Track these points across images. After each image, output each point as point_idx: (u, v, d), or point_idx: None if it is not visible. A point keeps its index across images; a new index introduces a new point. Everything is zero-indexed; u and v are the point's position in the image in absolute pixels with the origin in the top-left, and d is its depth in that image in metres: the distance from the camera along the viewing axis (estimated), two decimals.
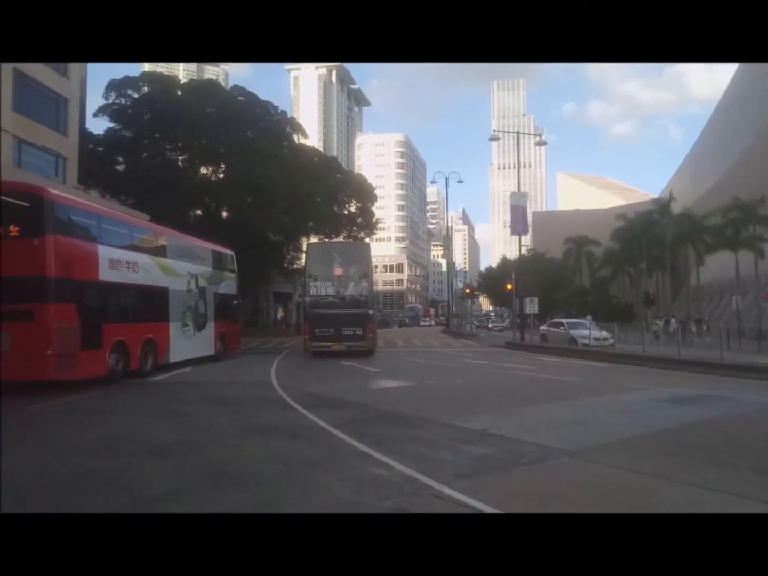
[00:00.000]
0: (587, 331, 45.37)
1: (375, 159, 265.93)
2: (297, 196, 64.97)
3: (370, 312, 40.09)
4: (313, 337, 37.98)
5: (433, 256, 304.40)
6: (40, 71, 42.91)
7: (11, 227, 20.76)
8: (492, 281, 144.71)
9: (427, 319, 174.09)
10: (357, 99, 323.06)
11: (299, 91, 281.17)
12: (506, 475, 10.09)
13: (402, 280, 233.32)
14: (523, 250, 71.06)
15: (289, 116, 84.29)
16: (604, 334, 45.96)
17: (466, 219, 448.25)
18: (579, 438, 12.77)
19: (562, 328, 48.92)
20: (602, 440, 12.61)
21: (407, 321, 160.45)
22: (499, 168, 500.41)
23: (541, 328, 55.03)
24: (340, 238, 78.65)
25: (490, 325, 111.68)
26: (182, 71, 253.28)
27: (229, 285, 38.69)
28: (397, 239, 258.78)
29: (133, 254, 26.71)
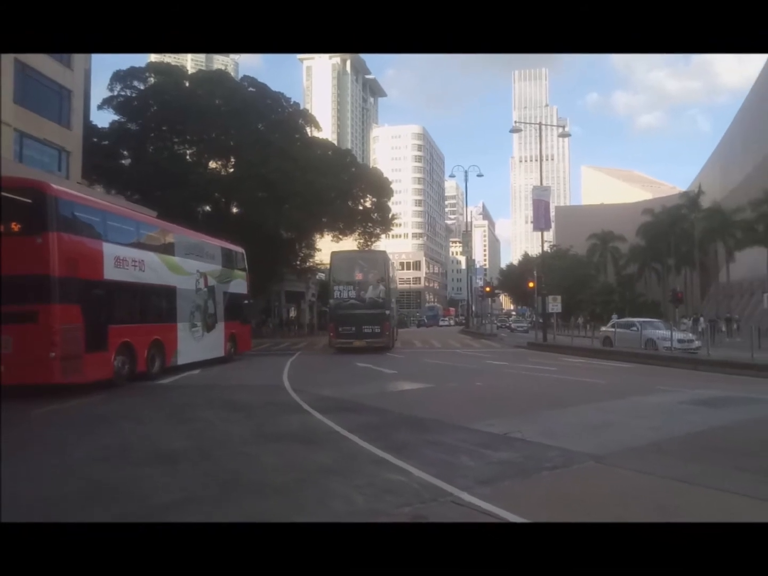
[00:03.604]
0: (667, 332, 40.49)
1: (391, 152, 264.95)
2: (310, 191, 64.94)
3: (387, 312, 45.48)
4: (337, 335, 44.65)
5: (452, 253, 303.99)
6: (42, 62, 42.94)
7: (12, 224, 20.71)
8: (513, 279, 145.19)
9: (447, 318, 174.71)
10: (372, 90, 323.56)
11: (312, 82, 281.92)
12: (528, 480, 10.07)
13: (419, 278, 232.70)
14: (546, 247, 71.26)
15: (301, 108, 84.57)
16: (690, 335, 42.95)
17: (486, 214, 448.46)
18: (604, 442, 12.75)
19: (635, 328, 43.94)
20: (628, 444, 12.56)
21: (426, 321, 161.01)
22: (520, 161, 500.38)
23: (604, 329, 51.03)
24: (355, 235, 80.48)
25: (512, 325, 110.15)
26: (190, 61, 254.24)
27: (239, 284, 38.61)
28: (414, 235, 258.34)
29: (140, 252, 26.67)
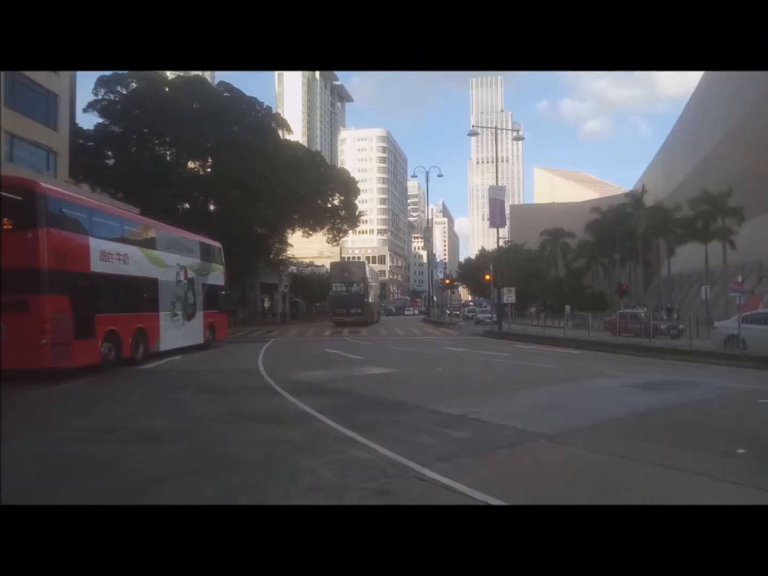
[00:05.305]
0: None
1: (357, 153, 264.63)
2: (282, 190, 65.62)
3: (366, 299, 70.26)
4: (334, 313, 70.27)
5: (414, 248, 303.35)
6: None
7: (5, 220, 20.64)
8: (471, 272, 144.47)
9: (411, 309, 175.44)
10: (340, 95, 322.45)
11: (283, 88, 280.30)
12: (485, 457, 10.16)
13: (384, 271, 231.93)
14: (501, 242, 71.62)
15: (274, 112, 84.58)
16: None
17: (446, 212, 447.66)
18: (555, 422, 12.87)
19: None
20: (577, 424, 12.71)
21: (394, 311, 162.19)
22: (477, 163, 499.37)
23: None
24: (324, 230, 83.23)
25: (479, 316, 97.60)
26: None
27: (217, 276, 38.40)
28: (379, 231, 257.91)
29: (124, 246, 26.56)
